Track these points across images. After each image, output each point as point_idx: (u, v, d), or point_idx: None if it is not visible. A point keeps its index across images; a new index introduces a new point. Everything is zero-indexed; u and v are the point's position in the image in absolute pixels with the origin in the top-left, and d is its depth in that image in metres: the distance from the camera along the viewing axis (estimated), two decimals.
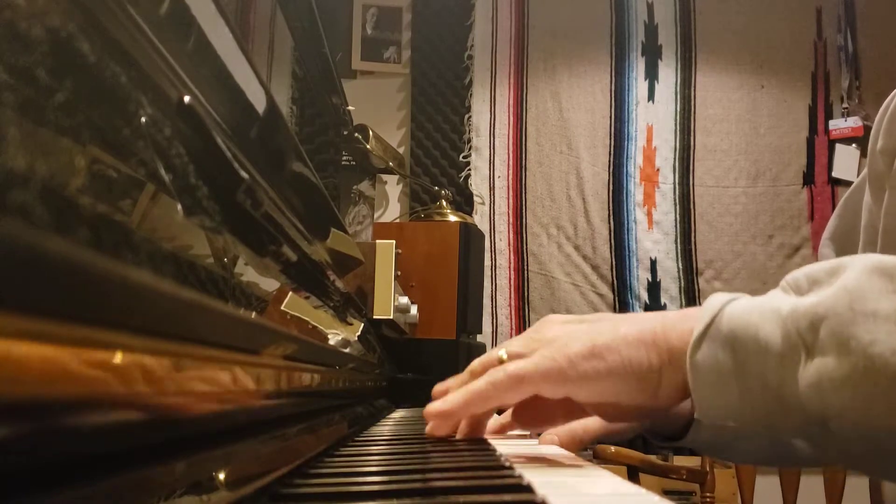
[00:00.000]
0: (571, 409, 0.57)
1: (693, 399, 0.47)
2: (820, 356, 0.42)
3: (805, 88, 2.70)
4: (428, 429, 0.56)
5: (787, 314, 0.44)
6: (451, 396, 0.54)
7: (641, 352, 0.49)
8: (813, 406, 0.42)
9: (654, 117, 2.73)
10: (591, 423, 0.65)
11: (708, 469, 1.75)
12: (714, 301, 0.48)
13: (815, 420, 0.43)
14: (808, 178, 2.66)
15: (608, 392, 0.50)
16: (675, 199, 2.69)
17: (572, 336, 0.51)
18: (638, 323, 0.51)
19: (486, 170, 2.69)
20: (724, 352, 0.46)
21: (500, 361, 0.53)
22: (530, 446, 0.63)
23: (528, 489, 0.35)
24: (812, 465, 0.48)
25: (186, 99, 0.40)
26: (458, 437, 0.59)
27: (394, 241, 1.56)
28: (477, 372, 0.54)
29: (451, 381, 0.59)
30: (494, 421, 0.68)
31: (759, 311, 0.45)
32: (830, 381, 0.41)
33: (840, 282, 0.43)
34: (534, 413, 0.57)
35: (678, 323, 0.49)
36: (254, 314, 0.46)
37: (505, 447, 0.58)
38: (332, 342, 0.74)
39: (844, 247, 0.75)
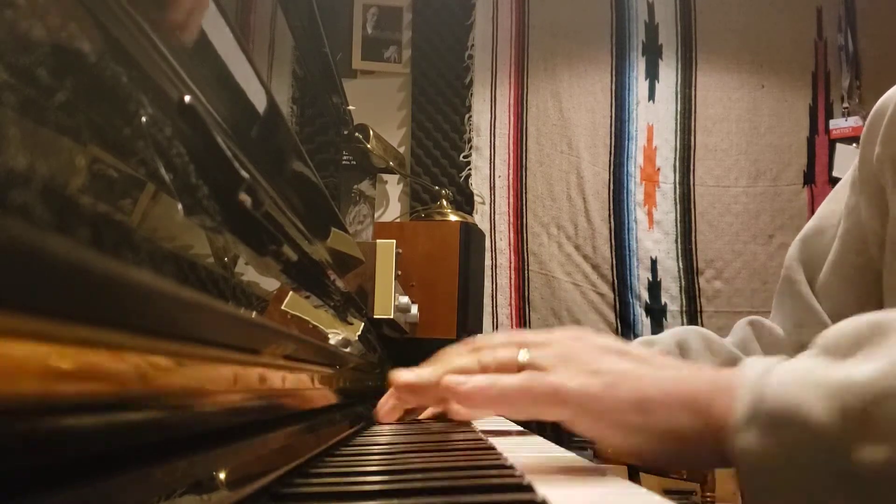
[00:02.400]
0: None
1: (741, 485, 0.43)
2: (883, 440, 0.38)
3: (805, 88, 2.70)
4: (429, 404, 0.49)
5: (839, 389, 0.39)
6: (478, 381, 0.47)
7: (687, 417, 0.44)
8: (880, 493, 0.38)
9: (654, 117, 2.73)
10: None
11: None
12: (752, 375, 0.43)
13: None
14: (809, 178, 2.66)
15: (642, 447, 0.46)
16: (675, 199, 2.69)
17: (616, 373, 0.46)
18: (683, 380, 0.46)
19: (486, 169, 2.69)
20: (770, 437, 0.41)
21: (521, 365, 0.48)
22: (546, 454, 0.59)
23: (529, 489, 0.35)
24: None
25: (187, 98, 0.40)
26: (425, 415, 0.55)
27: (394, 241, 1.56)
28: (490, 366, 0.48)
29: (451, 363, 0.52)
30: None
31: (804, 385, 0.41)
32: None
33: (893, 351, 0.39)
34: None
35: (721, 393, 0.44)
36: (254, 314, 0.46)
37: (510, 449, 0.57)
38: (332, 342, 0.74)
39: (814, 249, 0.74)
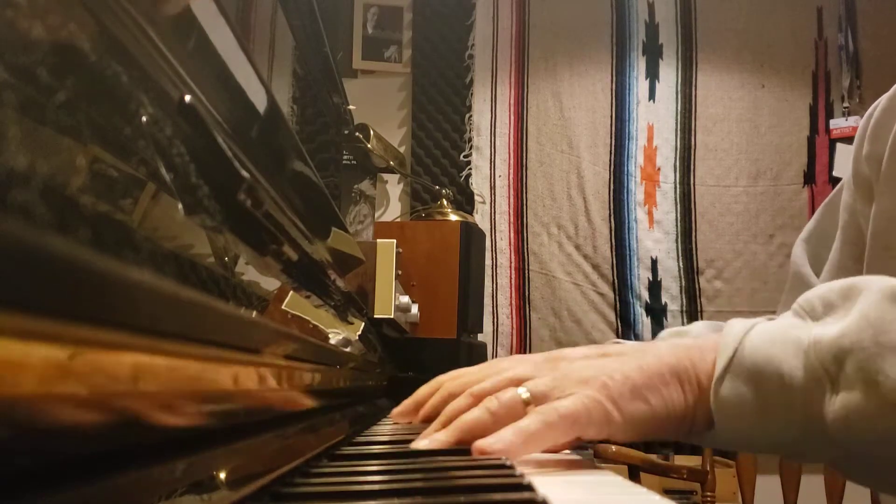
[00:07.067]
0: None
1: (717, 430, 0.47)
2: (846, 390, 0.41)
3: (806, 87, 2.70)
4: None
5: (810, 346, 0.44)
6: (506, 436, 0.47)
7: (679, 390, 0.48)
8: (841, 438, 0.42)
9: (654, 116, 2.73)
10: None
11: (708, 468, 1.75)
12: (734, 331, 0.47)
13: (844, 451, 0.43)
14: (809, 178, 2.66)
15: (648, 432, 0.49)
16: (675, 199, 2.69)
17: (606, 373, 0.48)
18: (666, 358, 0.49)
19: (486, 169, 2.69)
20: (747, 387, 0.45)
21: (525, 402, 0.49)
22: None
23: (529, 488, 0.35)
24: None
25: (187, 98, 0.40)
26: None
27: (395, 241, 1.56)
28: (499, 412, 0.49)
29: (427, 397, 0.59)
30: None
31: (780, 343, 0.45)
32: (859, 415, 0.41)
33: (859, 309, 0.43)
34: None
35: (703, 358, 0.48)
36: (255, 313, 0.46)
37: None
38: (332, 341, 0.74)
39: (817, 248, 0.76)
